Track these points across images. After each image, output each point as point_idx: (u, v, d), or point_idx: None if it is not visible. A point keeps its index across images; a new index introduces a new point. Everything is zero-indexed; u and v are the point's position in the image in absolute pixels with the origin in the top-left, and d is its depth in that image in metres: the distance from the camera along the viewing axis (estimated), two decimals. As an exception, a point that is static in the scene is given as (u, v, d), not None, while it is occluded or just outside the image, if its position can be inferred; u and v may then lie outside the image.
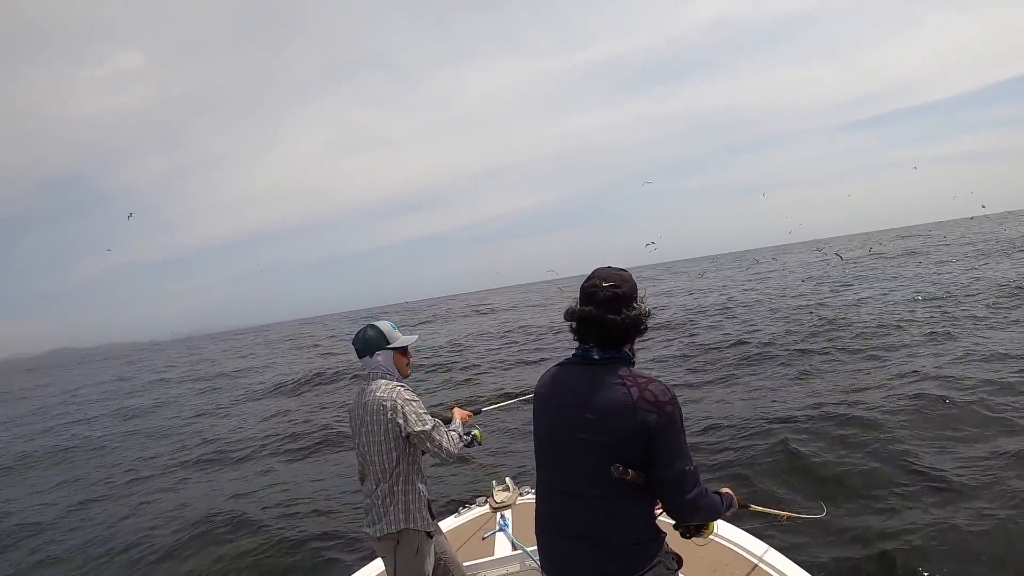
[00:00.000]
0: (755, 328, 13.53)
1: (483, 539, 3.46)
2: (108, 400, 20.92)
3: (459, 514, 3.98)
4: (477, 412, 3.07)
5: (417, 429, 2.48)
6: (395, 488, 2.51)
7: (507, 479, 4.05)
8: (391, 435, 2.49)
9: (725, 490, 1.97)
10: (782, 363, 9.73)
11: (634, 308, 1.76)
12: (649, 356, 11.59)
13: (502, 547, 3.32)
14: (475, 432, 2.89)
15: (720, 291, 25.61)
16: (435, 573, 2.68)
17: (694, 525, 1.95)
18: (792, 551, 3.79)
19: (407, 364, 2.73)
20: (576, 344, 1.84)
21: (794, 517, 2.73)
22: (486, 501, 4.00)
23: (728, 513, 1.94)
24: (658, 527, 1.81)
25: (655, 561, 1.73)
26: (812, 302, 16.78)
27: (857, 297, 16.54)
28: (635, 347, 1.86)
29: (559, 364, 1.89)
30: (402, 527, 2.50)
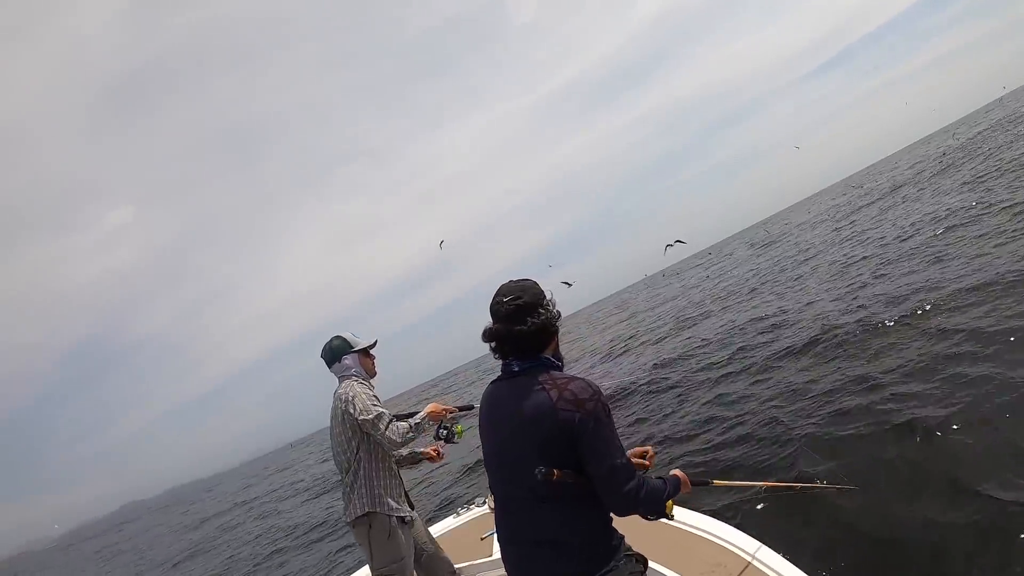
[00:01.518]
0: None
1: (481, 539, 3.47)
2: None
3: (458, 515, 4.04)
4: (466, 407, 3.06)
5: (360, 418, 2.69)
6: (359, 475, 2.74)
7: None
8: (347, 425, 2.74)
9: (673, 473, 1.96)
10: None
11: (540, 314, 1.79)
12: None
13: (499, 548, 3.13)
14: (457, 428, 3.00)
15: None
16: (417, 564, 2.86)
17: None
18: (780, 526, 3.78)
19: (372, 363, 2.99)
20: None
21: (777, 486, 2.53)
22: (485, 502, 4.03)
23: (682, 493, 1.92)
24: (614, 528, 1.82)
25: (611, 565, 1.74)
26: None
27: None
28: (559, 350, 1.89)
29: (492, 382, 1.92)
30: (367, 510, 2.71)
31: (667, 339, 14.53)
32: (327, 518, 11.47)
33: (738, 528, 2.93)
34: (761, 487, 3.05)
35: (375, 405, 2.76)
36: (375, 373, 3.00)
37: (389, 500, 2.76)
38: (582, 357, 18.38)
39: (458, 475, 8.42)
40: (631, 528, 1.86)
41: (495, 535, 2.46)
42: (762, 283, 17.18)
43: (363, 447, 2.76)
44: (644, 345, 15.60)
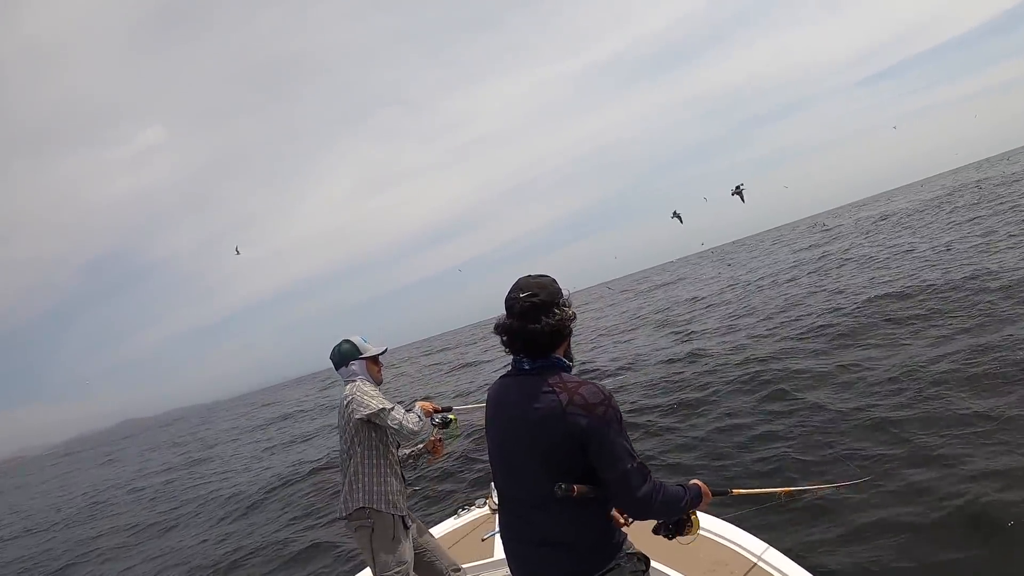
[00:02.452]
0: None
1: (482, 540, 3.47)
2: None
3: (458, 516, 4.02)
4: (447, 409, 3.20)
5: (367, 412, 2.75)
6: (356, 472, 2.78)
7: None
8: (348, 423, 2.82)
9: (693, 482, 1.94)
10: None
11: (555, 314, 1.76)
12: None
13: (501, 549, 3.27)
14: (451, 417, 3.15)
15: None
16: (419, 565, 2.87)
17: (672, 523, 1.96)
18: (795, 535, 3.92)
19: (379, 371, 3.08)
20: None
21: (794, 493, 2.60)
22: (485, 503, 4.03)
23: (701, 504, 1.93)
24: (616, 528, 1.85)
25: (613, 563, 1.75)
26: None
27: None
28: (571, 351, 1.87)
29: (501, 377, 1.92)
30: (361, 505, 2.74)
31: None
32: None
33: (741, 527, 2.96)
34: (780, 494, 2.52)
35: (380, 397, 2.84)
36: (381, 380, 3.08)
37: (392, 498, 2.78)
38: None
39: (456, 475, 7.84)
40: (633, 527, 1.92)
41: (496, 536, 3.18)
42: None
43: (360, 445, 2.81)
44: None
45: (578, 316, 1.87)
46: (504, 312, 1.82)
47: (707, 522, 2.98)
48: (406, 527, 2.83)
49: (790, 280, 17.66)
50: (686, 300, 21.61)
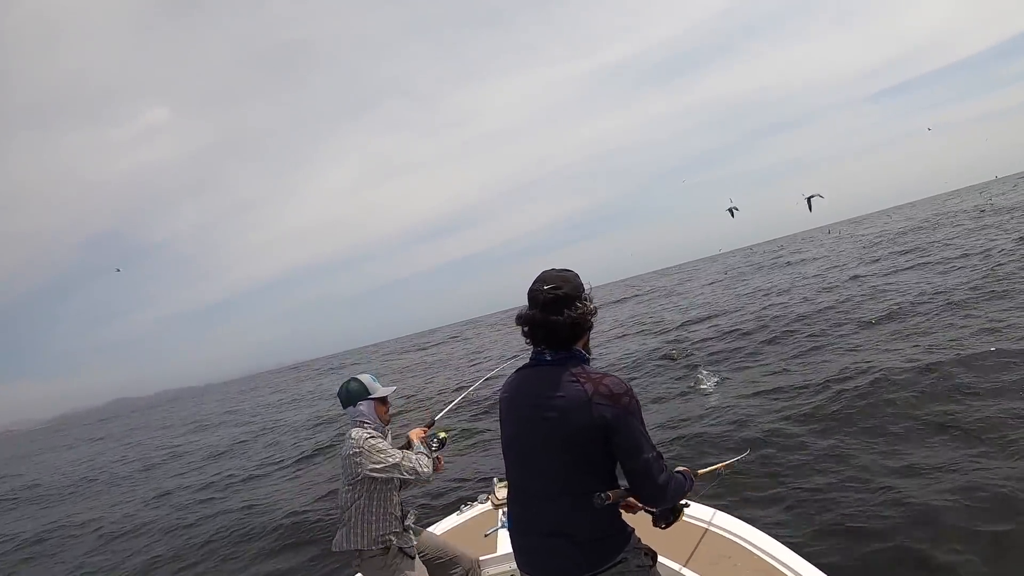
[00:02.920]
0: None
1: (485, 536, 3.48)
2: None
3: (461, 512, 4.00)
4: (430, 424, 3.21)
5: (381, 466, 2.76)
6: (357, 516, 2.80)
7: None
8: (352, 474, 2.80)
9: (680, 468, 1.98)
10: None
11: (577, 307, 1.78)
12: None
13: (504, 544, 3.30)
14: (441, 435, 3.12)
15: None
16: (438, 569, 2.98)
17: (668, 511, 2.00)
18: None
19: (386, 412, 3.03)
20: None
21: (730, 465, 2.86)
22: (488, 498, 4.00)
23: (689, 487, 1.98)
24: (624, 522, 1.86)
25: (620, 557, 1.77)
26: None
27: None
28: (589, 344, 1.90)
29: (518, 370, 1.92)
30: (359, 548, 2.79)
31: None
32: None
33: (744, 520, 2.99)
34: (721, 468, 2.73)
35: (389, 450, 2.82)
36: (388, 421, 3.05)
37: (388, 537, 2.81)
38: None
39: (458, 472, 7.56)
40: (633, 521, 1.91)
41: (499, 531, 3.28)
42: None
43: (368, 493, 2.82)
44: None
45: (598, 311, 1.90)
46: (526, 303, 1.84)
47: (708, 514, 3.03)
48: (409, 556, 2.87)
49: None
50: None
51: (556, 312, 1.76)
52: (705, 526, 2.96)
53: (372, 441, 2.81)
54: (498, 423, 1.96)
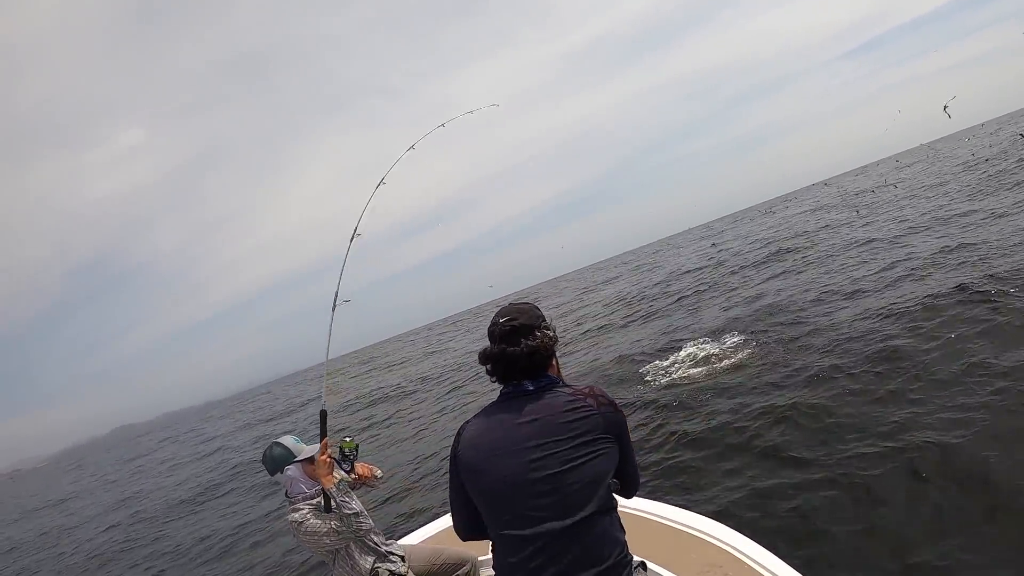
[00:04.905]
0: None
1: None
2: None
3: None
4: (323, 415, 2.96)
5: (318, 548, 2.78)
6: (340, 567, 2.84)
7: None
8: (313, 551, 2.87)
9: None
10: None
11: (535, 336, 1.76)
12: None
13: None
14: (343, 447, 2.91)
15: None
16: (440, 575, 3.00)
17: None
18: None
19: (314, 469, 2.84)
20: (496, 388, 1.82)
21: None
22: None
23: None
24: (625, 540, 1.77)
25: (634, 569, 1.74)
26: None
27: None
28: (561, 372, 1.89)
29: (483, 415, 1.80)
30: None
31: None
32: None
33: (734, 528, 2.95)
34: None
35: (316, 539, 2.75)
36: (319, 478, 2.80)
37: (376, 568, 2.84)
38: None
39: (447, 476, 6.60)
40: (629, 528, 1.82)
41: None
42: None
43: (332, 558, 2.85)
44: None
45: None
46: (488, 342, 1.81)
47: (699, 522, 3.03)
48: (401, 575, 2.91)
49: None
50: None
51: (514, 343, 1.74)
52: (697, 535, 2.94)
53: (301, 528, 2.76)
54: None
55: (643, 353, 10.13)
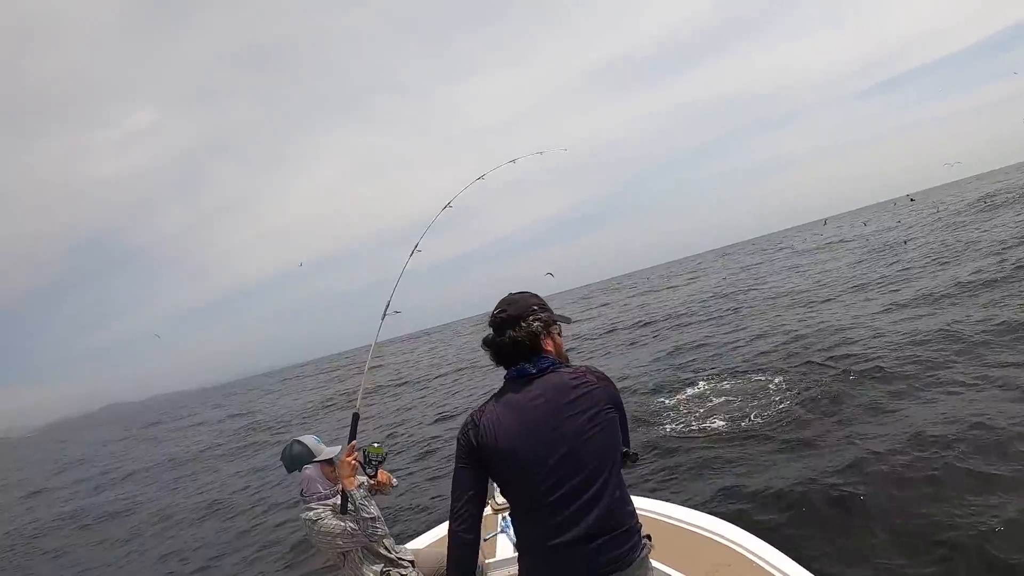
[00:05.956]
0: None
1: (485, 540, 3.47)
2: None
3: None
4: (356, 418, 2.93)
5: (330, 547, 2.76)
6: (350, 570, 2.84)
7: None
8: (323, 551, 2.87)
9: None
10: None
11: (521, 327, 1.87)
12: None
13: (504, 548, 3.38)
14: (370, 452, 2.89)
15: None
16: None
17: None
18: None
19: (333, 470, 2.90)
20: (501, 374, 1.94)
21: None
22: (488, 503, 4.06)
23: None
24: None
25: (643, 538, 1.86)
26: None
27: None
28: (565, 353, 1.99)
29: (494, 402, 1.89)
30: None
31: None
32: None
33: (744, 528, 2.93)
34: None
35: (329, 539, 2.74)
36: (336, 480, 2.85)
37: (391, 571, 2.82)
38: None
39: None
40: None
41: (499, 535, 3.21)
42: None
43: (343, 559, 2.81)
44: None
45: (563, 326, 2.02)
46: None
47: (707, 522, 3.04)
48: None
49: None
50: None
51: (500, 334, 1.89)
52: (706, 534, 2.94)
53: (316, 526, 2.75)
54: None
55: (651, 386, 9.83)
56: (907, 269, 15.06)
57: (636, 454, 1.99)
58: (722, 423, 6.91)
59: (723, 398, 7.97)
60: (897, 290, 12.61)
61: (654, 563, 2.58)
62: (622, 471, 1.87)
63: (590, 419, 1.79)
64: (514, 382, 1.89)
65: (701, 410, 7.70)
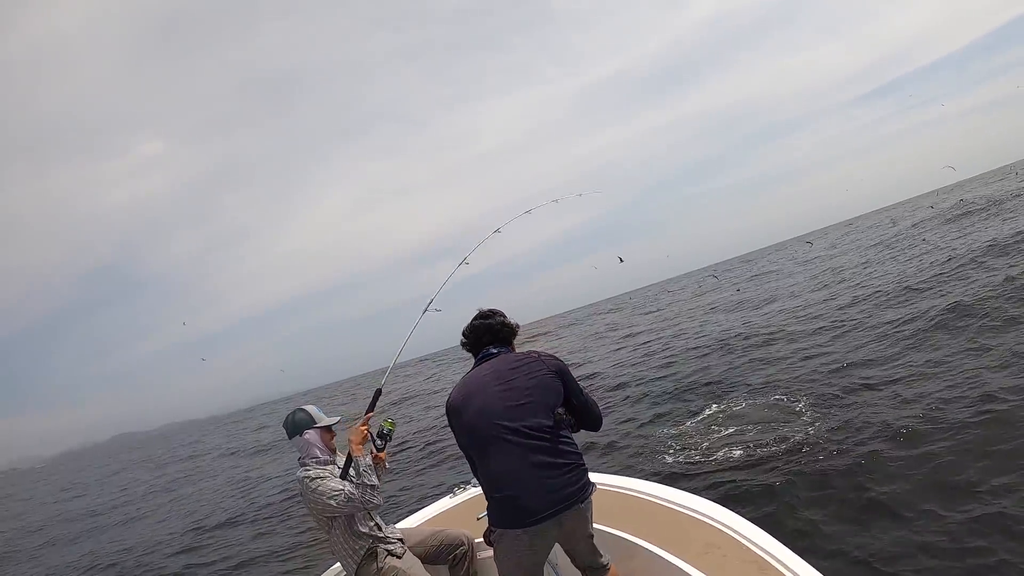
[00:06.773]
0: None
1: (478, 519, 3.52)
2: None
3: (454, 495, 4.16)
4: (377, 394, 3.19)
5: (322, 508, 2.83)
6: (336, 547, 2.94)
7: None
8: (313, 508, 2.91)
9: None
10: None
11: (504, 317, 2.56)
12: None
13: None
14: (383, 426, 3.07)
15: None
16: (434, 557, 3.07)
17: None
18: None
19: (332, 438, 3.08)
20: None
21: None
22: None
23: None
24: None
25: (591, 482, 2.33)
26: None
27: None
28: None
29: (465, 376, 2.45)
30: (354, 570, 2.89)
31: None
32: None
33: (732, 509, 3.00)
34: None
35: (331, 488, 2.83)
36: (335, 449, 3.08)
37: (374, 546, 2.91)
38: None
39: (453, 459, 8.18)
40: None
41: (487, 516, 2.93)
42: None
43: (332, 524, 2.91)
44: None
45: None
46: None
47: (697, 503, 3.10)
48: (396, 555, 2.94)
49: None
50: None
51: (488, 318, 2.56)
52: (697, 516, 3.00)
53: (313, 484, 2.83)
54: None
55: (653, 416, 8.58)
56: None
57: (572, 421, 2.43)
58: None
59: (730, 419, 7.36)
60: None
61: (645, 544, 2.70)
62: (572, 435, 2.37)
63: (530, 379, 2.31)
64: (478, 363, 2.48)
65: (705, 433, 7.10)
